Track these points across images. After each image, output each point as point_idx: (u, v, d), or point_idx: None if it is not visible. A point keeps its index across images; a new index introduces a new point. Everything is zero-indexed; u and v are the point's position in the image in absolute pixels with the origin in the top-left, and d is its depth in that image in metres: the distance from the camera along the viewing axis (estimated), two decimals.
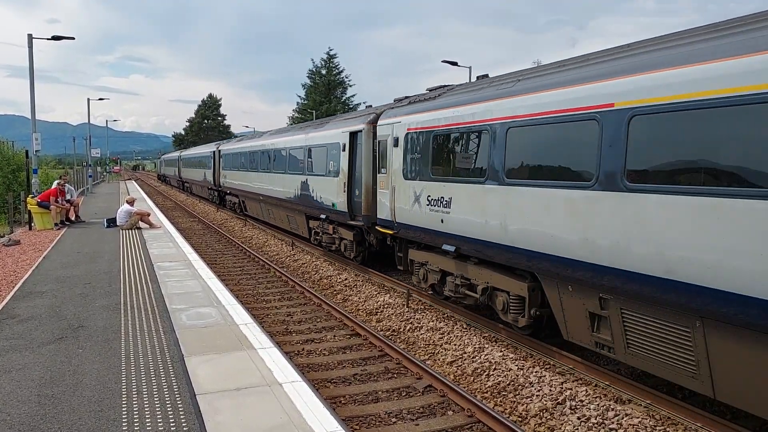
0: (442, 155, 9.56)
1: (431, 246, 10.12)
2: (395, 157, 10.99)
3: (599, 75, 6.50)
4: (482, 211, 8.27)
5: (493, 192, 8.00)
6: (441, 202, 9.38)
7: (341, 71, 63.23)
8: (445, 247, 9.33)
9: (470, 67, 29.91)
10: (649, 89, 5.71)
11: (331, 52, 63.14)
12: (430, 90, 11.57)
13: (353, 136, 13.23)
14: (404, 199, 10.61)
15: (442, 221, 9.34)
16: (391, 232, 11.39)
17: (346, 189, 13.38)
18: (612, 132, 6.06)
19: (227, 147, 29.65)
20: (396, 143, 10.99)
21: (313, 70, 63.40)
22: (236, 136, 43.79)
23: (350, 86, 63.73)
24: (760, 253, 4.70)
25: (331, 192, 14.28)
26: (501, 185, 7.83)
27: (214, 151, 32.27)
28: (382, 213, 11.64)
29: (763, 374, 4.95)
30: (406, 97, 12.26)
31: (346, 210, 13.39)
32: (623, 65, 6.23)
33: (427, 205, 9.78)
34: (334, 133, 14.45)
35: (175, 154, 57.23)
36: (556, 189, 6.83)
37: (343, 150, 13.53)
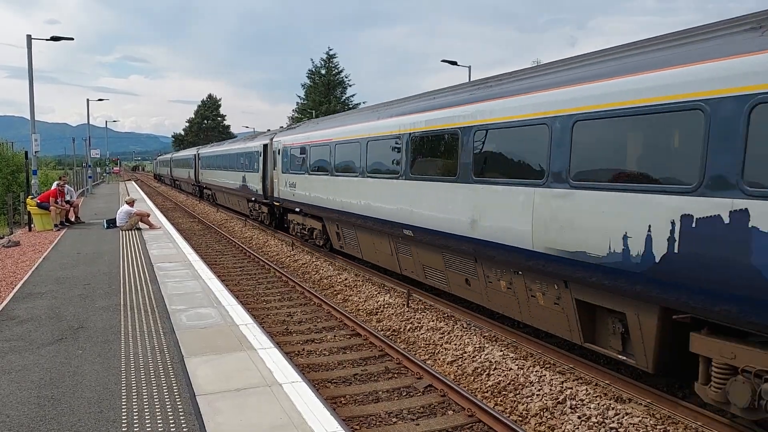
0: (292, 159, 17.16)
1: (294, 210, 17.55)
2: (279, 161, 18.73)
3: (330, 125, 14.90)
4: (304, 187, 15.93)
5: (306, 178, 15.73)
6: (293, 185, 17.00)
7: (341, 71, 63.21)
8: (296, 209, 17.13)
9: (469, 67, 29.89)
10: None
11: (331, 52, 63.15)
12: (309, 119, 21.05)
13: (265, 146, 20.94)
14: (282, 184, 18.26)
15: (293, 195, 17.05)
16: (278, 204, 19.26)
17: (261, 180, 21.14)
18: (330, 150, 13.96)
19: (203, 151, 37.67)
20: (279, 153, 18.74)
21: (313, 70, 63.37)
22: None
23: (350, 86, 63.76)
24: (347, 195, 12.55)
25: (255, 182, 22.01)
26: (308, 175, 15.51)
27: (195, 154, 39.78)
28: (276, 193, 19.12)
29: (364, 240, 12.74)
30: (300, 121, 21.73)
31: (262, 193, 21.11)
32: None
33: (289, 187, 17.46)
34: (256, 144, 22.62)
35: (168, 156, 67.87)
36: (320, 175, 14.54)
37: (260, 155, 21.35)
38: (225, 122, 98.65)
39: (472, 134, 8.34)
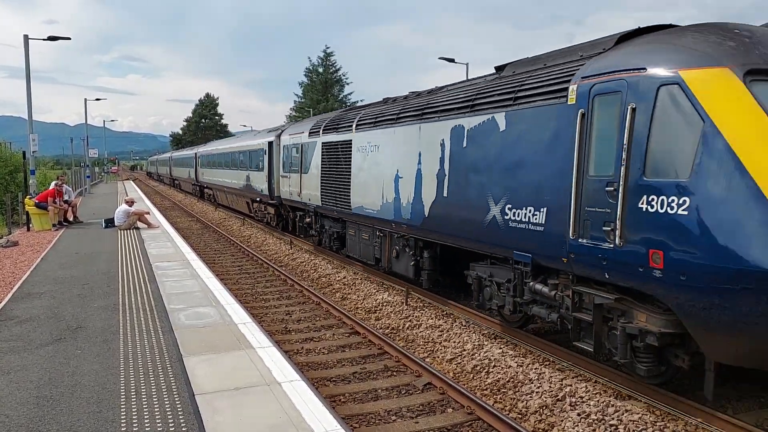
0: (203, 161, 35.77)
1: (206, 187, 35.89)
2: (200, 162, 36.85)
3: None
4: (207, 174, 34.08)
5: (207, 170, 34.24)
6: (203, 174, 35.64)
7: (338, 69, 63.06)
8: (206, 186, 35.76)
9: (467, 64, 29.87)
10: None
11: (328, 50, 63.00)
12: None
13: (195, 154, 38.40)
14: (200, 173, 36.69)
15: (203, 178, 35.74)
16: (201, 185, 37.90)
17: (194, 173, 38.65)
18: (211, 157, 34.46)
19: (175, 155, 55.20)
20: (199, 157, 37.32)
21: (310, 68, 63.22)
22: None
23: (347, 84, 63.64)
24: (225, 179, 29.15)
25: (193, 174, 39.64)
26: (207, 168, 34.23)
27: (170, 156, 59.09)
28: (200, 179, 37.13)
29: (220, 196, 31.45)
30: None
31: (196, 180, 38.57)
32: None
33: (203, 175, 35.84)
34: (192, 152, 41.71)
35: (155, 157, 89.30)
36: (208, 168, 34.01)
37: (193, 159, 38.88)
38: (222, 121, 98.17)
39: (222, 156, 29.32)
